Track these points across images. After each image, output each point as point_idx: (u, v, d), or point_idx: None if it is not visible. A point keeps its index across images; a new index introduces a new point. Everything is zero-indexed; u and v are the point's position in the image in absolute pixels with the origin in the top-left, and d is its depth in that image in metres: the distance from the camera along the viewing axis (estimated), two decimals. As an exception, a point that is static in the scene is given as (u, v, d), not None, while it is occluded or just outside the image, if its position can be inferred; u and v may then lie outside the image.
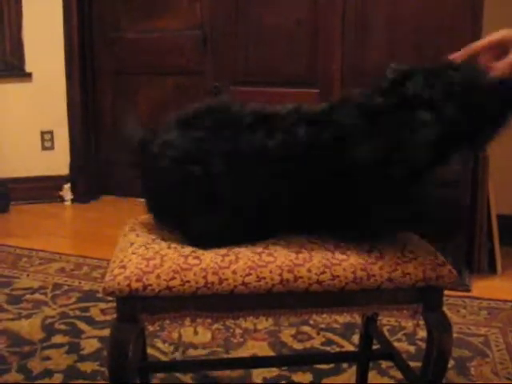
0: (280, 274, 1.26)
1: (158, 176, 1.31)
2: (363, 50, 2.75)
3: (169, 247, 1.30)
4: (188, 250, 1.30)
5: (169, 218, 1.38)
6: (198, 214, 1.30)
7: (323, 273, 1.27)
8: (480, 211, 2.97)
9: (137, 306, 1.27)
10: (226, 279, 1.25)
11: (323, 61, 2.80)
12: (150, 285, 1.24)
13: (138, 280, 1.24)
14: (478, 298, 2.64)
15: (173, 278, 1.24)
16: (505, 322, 2.41)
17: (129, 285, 1.23)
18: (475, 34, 2.58)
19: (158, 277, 1.24)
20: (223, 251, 1.29)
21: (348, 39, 2.76)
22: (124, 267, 1.26)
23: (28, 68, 4.02)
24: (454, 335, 2.14)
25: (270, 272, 1.26)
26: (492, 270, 2.98)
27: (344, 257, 1.30)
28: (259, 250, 1.30)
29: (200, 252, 1.29)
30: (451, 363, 2.06)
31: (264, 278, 1.26)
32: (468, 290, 2.72)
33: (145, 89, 4.10)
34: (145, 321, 1.29)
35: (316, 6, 2.80)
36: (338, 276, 1.27)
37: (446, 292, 1.39)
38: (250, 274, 1.26)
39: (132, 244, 1.35)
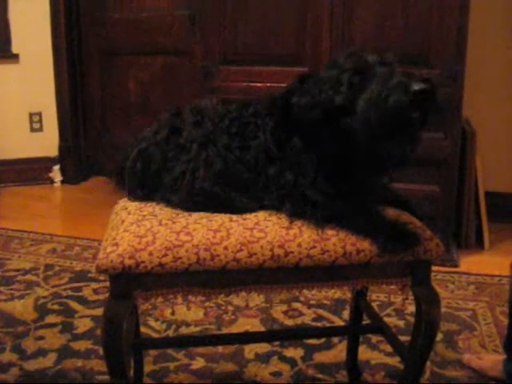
0: (271, 250, 1.28)
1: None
2: (351, 28, 2.74)
3: (160, 224, 1.32)
4: (179, 226, 1.31)
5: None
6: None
7: (313, 247, 1.29)
8: (468, 188, 3.00)
9: (130, 283, 1.28)
10: (218, 255, 1.27)
11: (312, 39, 2.79)
12: (143, 262, 1.25)
13: (130, 257, 1.25)
14: (466, 273, 2.67)
15: (165, 255, 1.26)
16: (492, 296, 2.45)
17: (122, 262, 1.25)
18: (463, 15, 2.59)
19: (151, 254, 1.26)
20: (215, 227, 1.31)
21: (336, 18, 2.75)
22: (117, 245, 1.28)
23: (15, 49, 3.99)
24: (443, 310, 2.18)
25: (261, 248, 1.28)
26: (480, 245, 3.01)
27: (334, 232, 1.32)
28: (250, 225, 1.32)
29: (191, 228, 1.30)
30: (440, 336, 2.10)
31: (255, 253, 1.28)
32: (456, 266, 2.75)
33: (133, 69, 4.07)
34: (138, 298, 1.30)
35: (304, -16, 2.79)
36: (327, 251, 1.29)
37: (435, 268, 1.42)
38: (241, 250, 1.27)
39: (123, 222, 1.36)
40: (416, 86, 1.21)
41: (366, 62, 1.30)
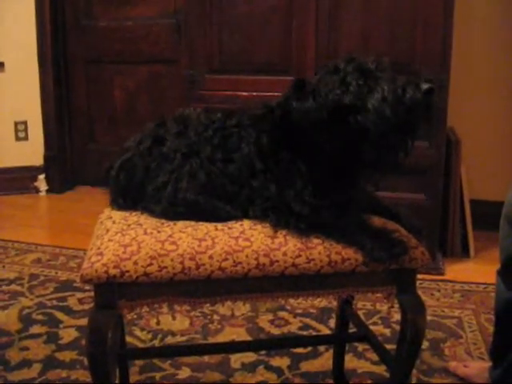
0: (256, 259, 1.28)
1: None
2: (337, 38, 2.76)
3: (145, 233, 1.31)
4: (164, 235, 1.31)
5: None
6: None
7: (298, 256, 1.29)
8: (453, 196, 3.01)
9: (115, 293, 1.27)
10: (203, 264, 1.26)
11: (297, 49, 2.80)
12: (128, 271, 1.25)
13: (115, 267, 1.24)
14: (451, 281, 2.68)
15: (150, 264, 1.25)
16: (477, 303, 2.46)
17: (106, 271, 1.24)
18: (447, 27, 2.62)
19: (136, 263, 1.25)
20: (200, 236, 1.30)
21: (322, 27, 2.76)
22: (101, 254, 1.27)
23: (0, 57, 3.97)
24: (429, 318, 2.18)
25: (247, 256, 1.28)
26: (465, 253, 3.03)
27: (319, 241, 1.32)
28: (236, 234, 1.32)
29: (177, 237, 1.30)
30: (426, 344, 2.11)
31: (240, 262, 1.27)
32: (442, 274, 2.76)
33: (119, 77, 4.07)
34: (123, 307, 1.29)
35: (290, -6, 2.80)
36: (313, 259, 1.29)
37: (421, 276, 1.42)
38: (226, 259, 1.27)
39: (108, 231, 1.35)
40: (425, 85, 1.27)
41: (368, 66, 1.32)
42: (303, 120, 1.33)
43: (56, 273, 2.78)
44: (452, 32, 2.63)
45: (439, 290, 2.59)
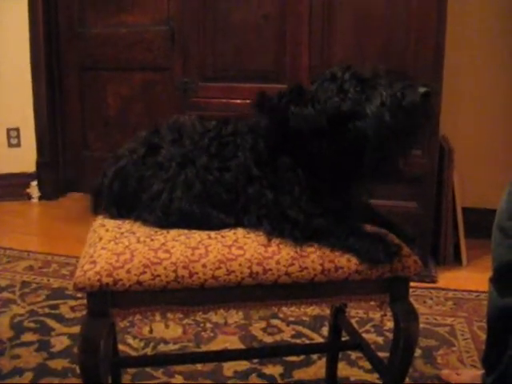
0: (249, 267, 1.28)
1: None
2: (330, 46, 2.77)
3: (138, 241, 1.31)
4: (158, 243, 1.31)
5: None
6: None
7: (292, 265, 1.29)
8: (445, 204, 3.02)
9: (107, 301, 1.27)
10: (196, 273, 1.26)
11: (291, 56, 2.81)
12: (121, 279, 1.24)
13: (108, 275, 1.24)
14: (444, 289, 2.69)
15: (143, 273, 1.25)
16: (470, 311, 2.46)
17: (99, 280, 1.24)
18: (439, 36, 2.63)
19: (129, 271, 1.25)
20: (193, 244, 1.30)
21: (315, 35, 2.77)
22: (94, 262, 1.27)
23: (-8, 64, 3.96)
24: (421, 326, 2.18)
25: (240, 265, 1.28)
26: (457, 261, 3.04)
27: (312, 249, 1.32)
28: (229, 242, 1.32)
29: (170, 245, 1.30)
30: (418, 352, 2.11)
31: (234, 271, 1.27)
32: (434, 282, 2.77)
33: (112, 85, 4.06)
34: (116, 315, 1.29)
35: (283, 1, 2.81)
36: (306, 268, 1.30)
37: (413, 283, 1.42)
38: (219, 268, 1.27)
39: (101, 239, 1.35)
40: (422, 89, 1.28)
41: (365, 74, 1.33)
42: (302, 127, 1.33)
43: (48, 280, 2.77)
44: (444, 41, 2.65)
45: (432, 298, 2.59)
